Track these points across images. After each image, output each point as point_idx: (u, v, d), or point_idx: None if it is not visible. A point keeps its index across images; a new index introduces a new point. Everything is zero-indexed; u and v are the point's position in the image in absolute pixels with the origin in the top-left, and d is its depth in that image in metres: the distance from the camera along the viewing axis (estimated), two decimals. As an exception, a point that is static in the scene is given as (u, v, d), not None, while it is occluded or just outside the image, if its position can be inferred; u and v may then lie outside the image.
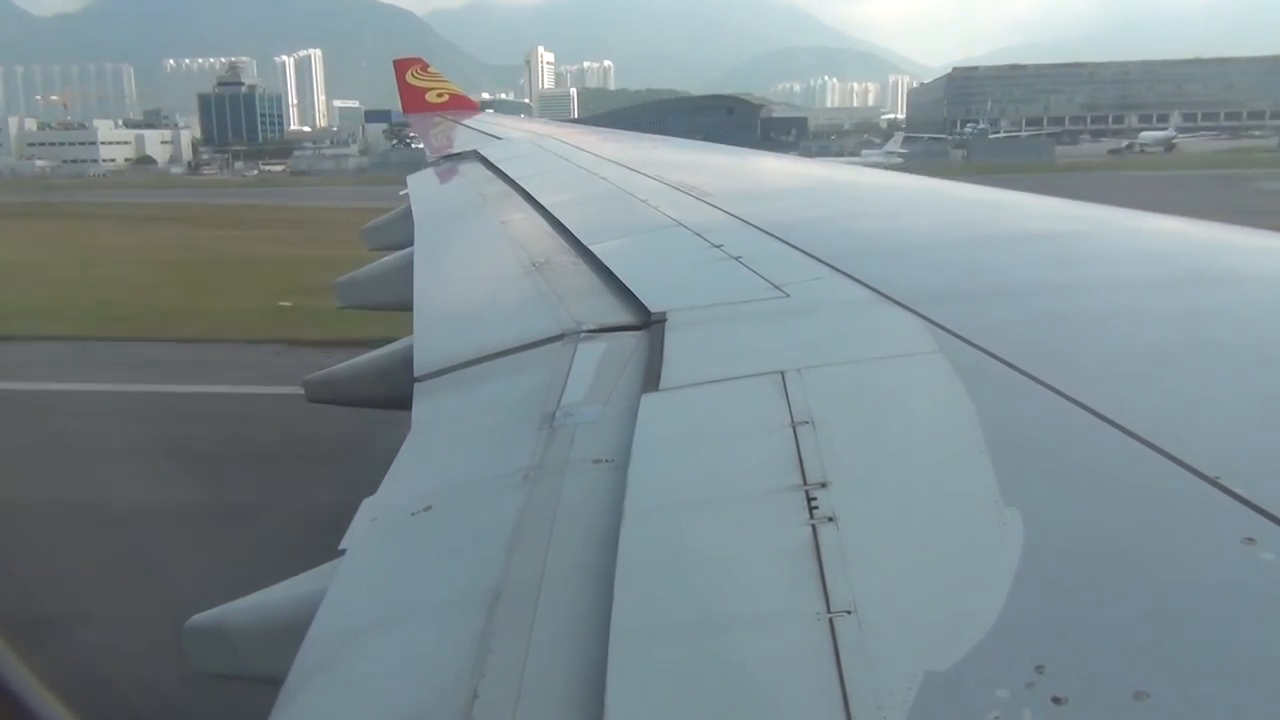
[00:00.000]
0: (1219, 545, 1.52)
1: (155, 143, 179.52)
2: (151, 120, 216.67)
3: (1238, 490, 1.63)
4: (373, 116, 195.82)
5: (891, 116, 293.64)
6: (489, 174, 8.98)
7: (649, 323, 3.19)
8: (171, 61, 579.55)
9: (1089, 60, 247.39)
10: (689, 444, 2.30)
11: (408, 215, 7.88)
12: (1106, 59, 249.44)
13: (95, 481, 10.82)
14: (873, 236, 4.40)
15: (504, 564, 1.84)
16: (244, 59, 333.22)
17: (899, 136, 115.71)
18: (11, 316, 20.21)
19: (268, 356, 17.30)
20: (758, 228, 4.39)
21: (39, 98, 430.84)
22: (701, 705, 1.36)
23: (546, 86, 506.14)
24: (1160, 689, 1.23)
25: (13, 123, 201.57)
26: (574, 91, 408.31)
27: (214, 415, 14.30)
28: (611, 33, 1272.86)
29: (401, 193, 9.49)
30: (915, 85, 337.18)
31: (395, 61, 20.82)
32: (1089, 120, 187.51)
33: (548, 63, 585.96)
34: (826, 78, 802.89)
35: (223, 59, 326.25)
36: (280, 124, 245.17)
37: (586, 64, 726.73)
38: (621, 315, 3.38)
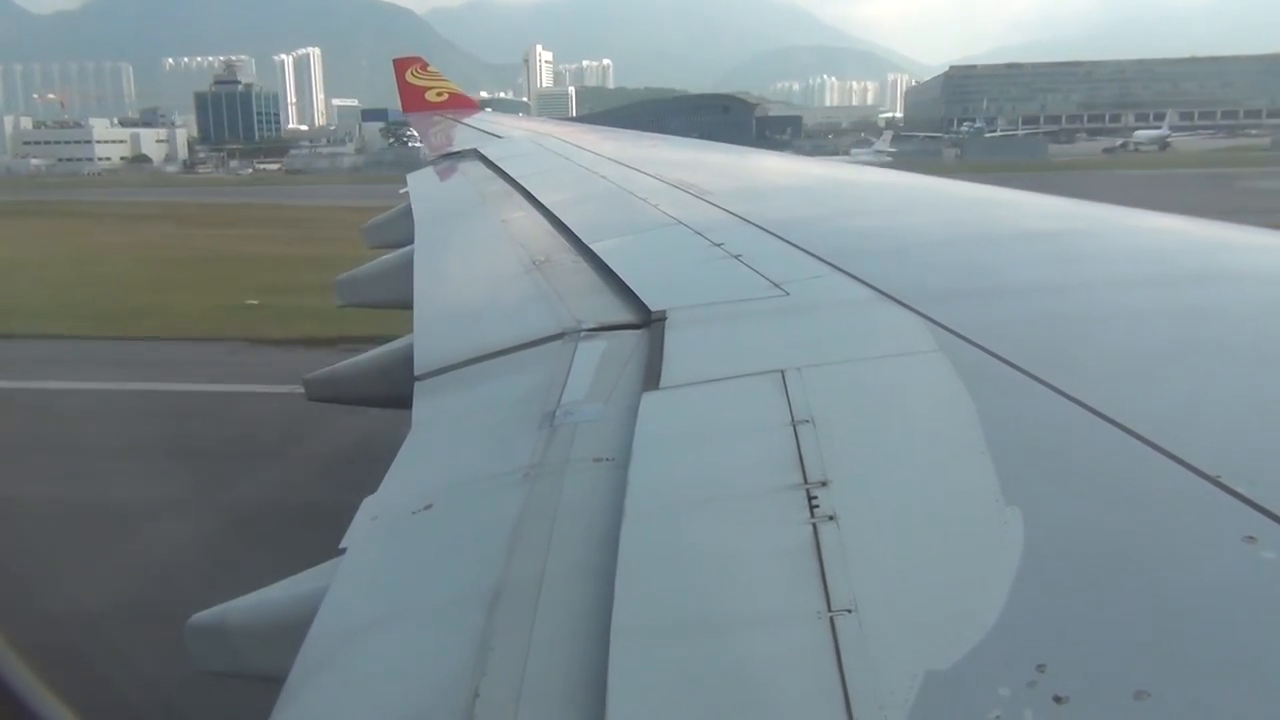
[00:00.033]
0: (1220, 544, 1.52)
1: (151, 141, 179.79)
2: (148, 119, 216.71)
3: (1238, 489, 1.62)
4: (369, 115, 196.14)
5: (890, 115, 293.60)
6: (489, 172, 8.98)
7: (649, 321, 3.19)
8: (171, 60, 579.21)
9: (1088, 59, 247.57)
10: (689, 443, 2.30)
11: (408, 213, 7.88)
12: (1106, 58, 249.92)
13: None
14: (873, 235, 4.39)
15: (505, 563, 1.84)
16: (241, 58, 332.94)
17: (888, 135, 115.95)
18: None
19: (222, 354, 17.27)
20: (758, 226, 4.38)
21: (36, 96, 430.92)
22: (702, 704, 1.36)
23: (545, 85, 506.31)
24: (1161, 688, 1.23)
25: (8, 121, 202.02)
26: (572, 90, 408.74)
27: (144, 413, 14.17)
28: (612, 32, 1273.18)
29: (401, 191, 9.52)
30: (914, 84, 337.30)
31: (395, 60, 20.73)
32: (1086, 119, 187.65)
33: (546, 62, 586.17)
34: (826, 77, 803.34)
35: (222, 58, 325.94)
36: (277, 122, 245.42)
37: (586, 63, 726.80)
38: (622, 314, 3.38)
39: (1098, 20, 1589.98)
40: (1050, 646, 1.33)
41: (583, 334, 3.22)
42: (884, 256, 3.73)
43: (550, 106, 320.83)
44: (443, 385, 3.16)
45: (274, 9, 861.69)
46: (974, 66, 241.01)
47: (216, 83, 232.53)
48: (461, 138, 13.77)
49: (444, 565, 2.03)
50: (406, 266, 5.60)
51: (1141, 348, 2.55)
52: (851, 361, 2.62)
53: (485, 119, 17.60)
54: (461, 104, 20.82)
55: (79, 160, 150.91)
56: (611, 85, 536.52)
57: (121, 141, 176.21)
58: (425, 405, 3.01)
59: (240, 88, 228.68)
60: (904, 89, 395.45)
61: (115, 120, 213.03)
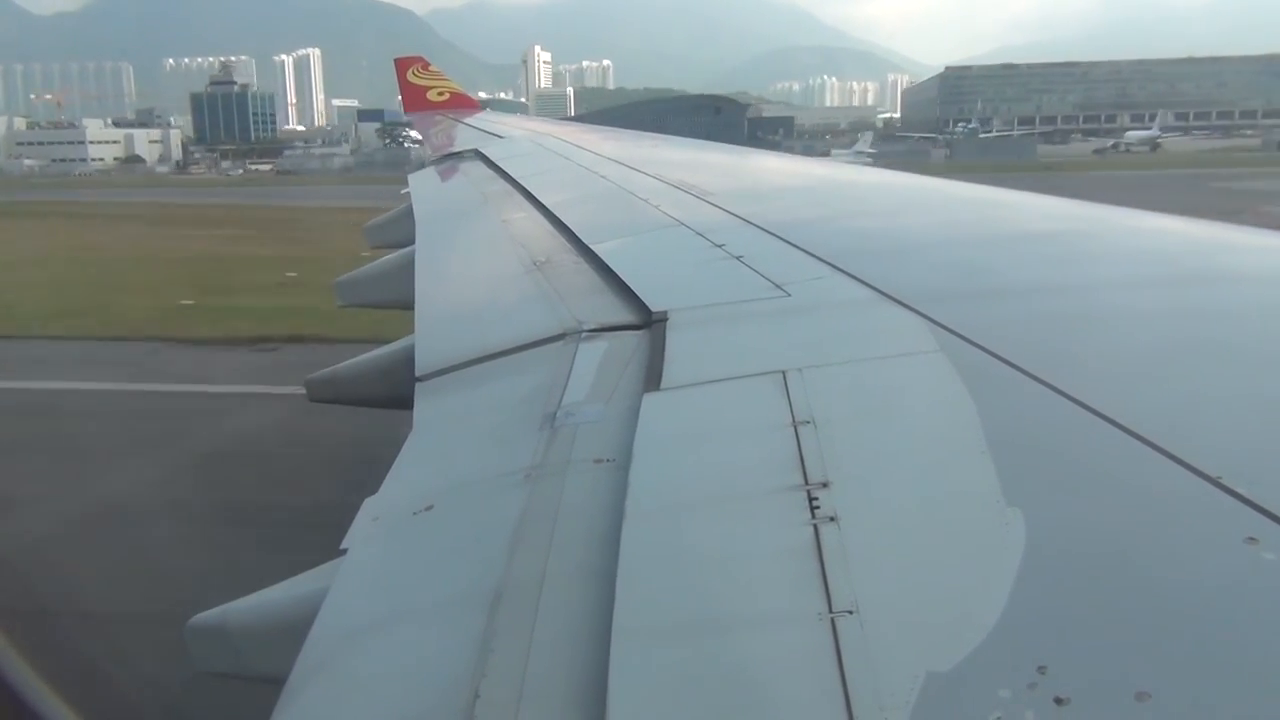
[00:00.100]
0: (1221, 545, 1.52)
1: (144, 142, 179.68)
2: (144, 119, 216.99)
3: (1239, 490, 1.62)
4: (366, 116, 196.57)
5: (888, 115, 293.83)
6: (490, 172, 8.98)
7: (650, 322, 3.19)
8: (171, 61, 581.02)
9: (1087, 60, 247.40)
10: (690, 443, 2.30)
11: (409, 214, 7.88)
12: (1106, 58, 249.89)
13: None
14: (874, 235, 4.39)
15: (506, 564, 1.84)
16: (239, 58, 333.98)
17: (868, 136, 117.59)
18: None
19: (140, 354, 17.26)
20: (759, 227, 4.38)
21: (33, 96, 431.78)
22: (703, 705, 1.36)
23: (544, 86, 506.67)
24: (1162, 689, 1.23)
25: (2, 122, 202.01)
26: (570, 91, 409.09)
27: (38, 410, 14.32)
28: (612, 32, 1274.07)
29: (403, 191, 9.53)
30: (911, 85, 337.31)
31: (396, 60, 20.83)
32: (1082, 120, 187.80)
33: (545, 62, 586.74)
34: (826, 77, 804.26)
35: (221, 58, 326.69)
36: (273, 123, 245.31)
37: (586, 63, 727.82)
38: (623, 314, 3.39)
39: (1098, 20, 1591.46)
40: (1051, 648, 1.33)
41: (584, 335, 3.23)
42: (885, 257, 3.73)
43: (549, 107, 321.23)
44: (444, 386, 3.17)
45: (274, 10, 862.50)
46: (969, 67, 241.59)
47: (213, 83, 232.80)
48: (462, 137, 13.83)
49: (445, 566, 2.03)
50: (408, 267, 5.60)
51: (1142, 348, 2.55)
52: (852, 362, 2.62)
53: (486, 119, 17.70)
54: (463, 104, 20.90)
55: (72, 161, 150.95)
56: (611, 85, 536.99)
57: (115, 142, 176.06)
58: (426, 406, 3.02)
59: (236, 88, 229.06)
60: (903, 89, 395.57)
61: (109, 121, 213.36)
